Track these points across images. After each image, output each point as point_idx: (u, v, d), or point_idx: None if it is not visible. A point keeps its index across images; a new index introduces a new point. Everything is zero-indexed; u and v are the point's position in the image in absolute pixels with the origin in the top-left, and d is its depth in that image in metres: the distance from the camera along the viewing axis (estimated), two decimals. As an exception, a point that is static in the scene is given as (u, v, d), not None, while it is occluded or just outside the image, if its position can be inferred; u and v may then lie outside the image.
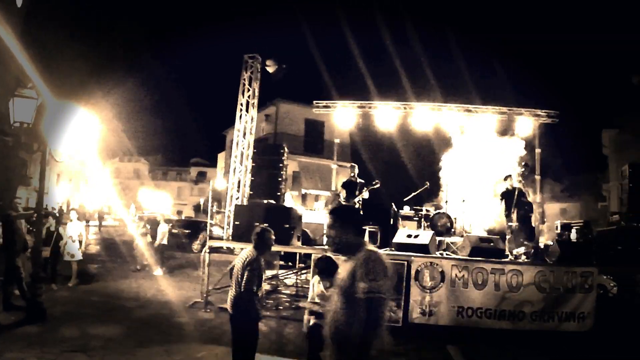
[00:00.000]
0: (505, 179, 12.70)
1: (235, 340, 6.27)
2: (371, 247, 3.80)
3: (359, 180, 13.50)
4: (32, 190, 36.42)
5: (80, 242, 13.74)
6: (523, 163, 13.59)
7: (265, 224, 6.66)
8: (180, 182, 77.47)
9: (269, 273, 14.24)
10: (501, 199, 12.59)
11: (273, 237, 6.48)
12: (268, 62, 14.10)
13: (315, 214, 14.90)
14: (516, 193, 12.10)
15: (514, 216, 12.04)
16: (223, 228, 15.64)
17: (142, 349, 8.17)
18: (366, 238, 11.36)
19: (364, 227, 12.28)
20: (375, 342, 3.49)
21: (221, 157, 51.16)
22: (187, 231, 27.02)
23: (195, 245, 25.06)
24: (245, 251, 6.36)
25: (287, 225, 11.32)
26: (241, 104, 14.16)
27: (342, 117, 16.19)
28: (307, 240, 12.45)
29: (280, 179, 13.14)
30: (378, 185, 13.12)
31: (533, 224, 12.80)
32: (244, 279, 6.02)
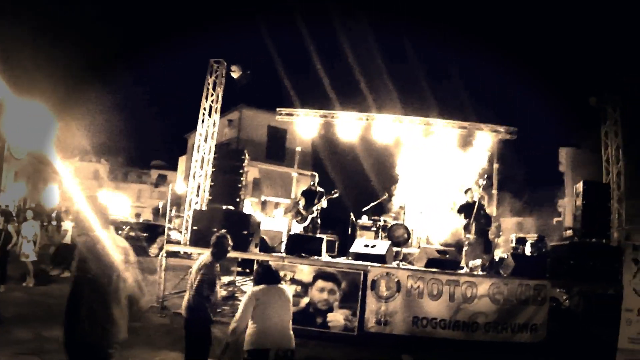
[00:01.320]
0: (466, 192, 12.88)
1: (188, 345, 6.26)
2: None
3: (318, 189, 13.52)
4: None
5: (35, 243, 13.44)
6: (485, 175, 13.81)
7: (223, 230, 6.64)
8: (140, 185, 76.26)
9: (225, 279, 14.14)
10: (459, 212, 12.76)
11: (230, 244, 6.47)
12: (233, 68, 14.04)
13: (274, 221, 14.87)
14: (476, 206, 12.28)
15: (472, 229, 12.19)
16: (181, 232, 15.45)
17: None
18: (323, 246, 11.50)
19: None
20: None
21: (182, 160, 50.71)
22: (145, 234, 26.68)
23: (153, 249, 24.69)
24: (202, 256, 6.37)
25: (246, 232, 11.28)
26: (204, 108, 14.07)
27: (304, 125, 16.23)
28: (265, 248, 12.40)
29: (240, 185, 13.07)
30: (337, 195, 13.16)
31: (490, 237, 12.98)
32: (196, 283, 6.03)
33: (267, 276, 5.85)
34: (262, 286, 5.71)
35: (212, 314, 6.20)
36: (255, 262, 12.36)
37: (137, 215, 53.60)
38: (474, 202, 12.43)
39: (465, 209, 12.53)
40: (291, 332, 5.63)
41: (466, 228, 12.38)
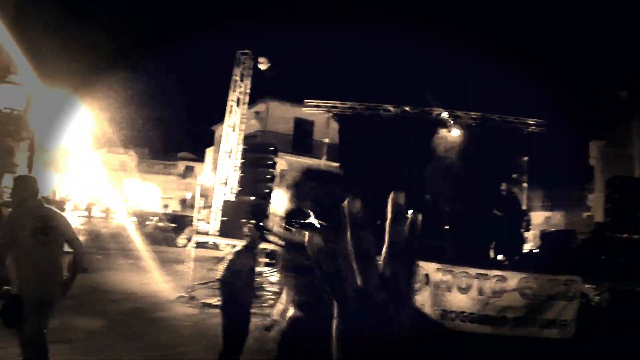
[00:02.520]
0: (502, 185, 12.70)
1: (224, 335, 6.30)
2: None
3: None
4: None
5: None
6: (518, 169, 13.65)
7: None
8: (167, 176, 76.60)
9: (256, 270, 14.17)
10: (493, 204, 12.58)
11: (263, 235, 6.51)
12: (260, 60, 14.05)
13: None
14: (509, 199, 12.13)
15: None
16: (209, 223, 15.53)
17: (123, 342, 8.13)
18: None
19: None
20: None
21: (209, 152, 50.85)
22: (173, 225, 26.91)
23: (181, 240, 24.90)
24: (237, 247, 6.40)
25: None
26: (232, 100, 14.11)
27: (331, 117, 16.21)
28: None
29: (268, 177, 13.07)
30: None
31: (520, 231, 12.84)
32: (235, 275, 6.05)
33: None
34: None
35: (248, 303, 6.25)
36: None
37: (165, 207, 54.06)
38: (508, 195, 12.26)
39: (499, 202, 12.35)
40: None
41: (498, 221, 12.21)
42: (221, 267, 6.46)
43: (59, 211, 5.51)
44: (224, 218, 11.79)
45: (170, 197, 70.49)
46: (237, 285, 6.07)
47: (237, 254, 6.25)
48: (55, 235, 5.12)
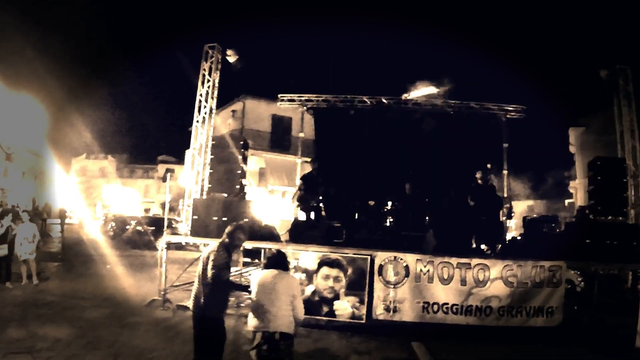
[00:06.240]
0: (476, 174, 12.39)
1: (198, 339, 6.02)
2: None
3: (319, 176, 13.12)
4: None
5: (32, 242, 13.18)
6: (494, 157, 13.41)
7: (246, 220, 6.46)
8: (147, 180, 76.31)
9: (232, 270, 13.84)
10: (470, 194, 12.29)
11: (246, 236, 6.26)
12: (229, 52, 13.70)
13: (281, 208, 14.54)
14: (485, 188, 11.85)
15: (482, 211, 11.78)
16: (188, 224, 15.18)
17: (91, 350, 7.78)
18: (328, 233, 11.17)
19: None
20: None
21: (188, 153, 50.47)
22: (152, 228, 26.52)
23: (160, 243, 24.50)
24: (211, 246, 6.06)
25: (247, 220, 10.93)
26: (200, 95, 13.75)
27: (306, 111, 15.97)
28: (271, 236, 12.05)
29: (239, 172, 12.64)
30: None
31: (501, 219, 12.57)
32: (210, 274, 5.74)
33: (277, 261, 5.90)
34: (268, 270, 5.83)
35: (224, 306, 6.08)
36: (262, 251, 12.14)
37: (146, 211, 53.62)
38: (483, 183, 12.00)
39: (475, 192, 12.09)
40: (290, 318, 5.60)
41: (476, 211, 11.93)
42: (197, 268, 6.18)
43: None
44: (195, 217, 11.39)
45: (152, 200, 70.09)
46: (213, 285, 5.77)
47: (213, 252, 5.91)
48: None
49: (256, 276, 5.85)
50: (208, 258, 5.88)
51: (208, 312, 5.88)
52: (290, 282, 5.85)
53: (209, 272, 5.77)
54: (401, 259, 9.91)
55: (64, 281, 13.74)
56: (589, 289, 11.83)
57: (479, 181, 12.12)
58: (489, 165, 12.72)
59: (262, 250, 14.29)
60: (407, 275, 9.83)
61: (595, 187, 11.88)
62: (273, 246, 10.63)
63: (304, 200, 12.86)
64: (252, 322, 5.59)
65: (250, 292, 5.84)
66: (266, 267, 5.94)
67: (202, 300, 5.86)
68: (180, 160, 62.71)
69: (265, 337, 5.41)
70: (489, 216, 11.88)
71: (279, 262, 5.89)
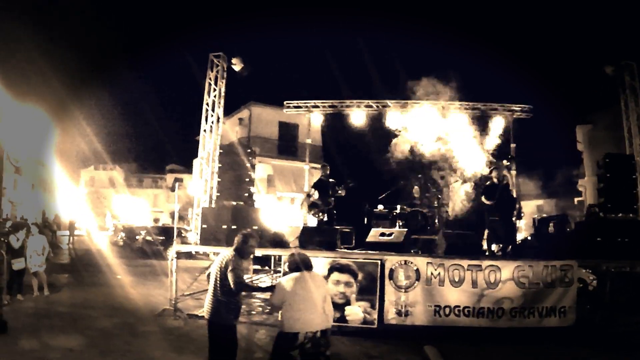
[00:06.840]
0: (490, 172, 12.14)
1: (213, 347, 6.04)
2: None
3: (330, 180, 13.10)
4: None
5: (42, 254, 13.22)
6: (509, 156, 13.32)
7: (255, 227, 6.48)
8: (156, 189, 76.46)
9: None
10: (483, 193, 12.06)
11: (256, 243, 6.34)
12: (234, 61, 13.74)
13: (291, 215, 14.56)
14: (500, 187, 11.63)
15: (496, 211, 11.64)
16: (198, 233, 15.21)
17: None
18: (338, 238, 11.16)
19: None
20: None
21: (196, 162, 50.61)
22: (162, 238, 26.58)
23: (170, 252, 24.56)
24: (224, 254, 6.08)
25: (256, 227, 10.96)
26: (207, 104, 13.81)
27: (313, 117, 15.98)
28: (281, 243, 12.04)
29: (247, 180, 12.66)
30: (351, 185, 12.75)
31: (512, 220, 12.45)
32: (232, 282, 5.76)
33: (300, 264, 5.93)
34: (294, 274, 5.86)
35: (236, 313, 6.09)
36: (272, 258, 12.09)
37: (156, 220, 53.80)
38: (499, 182, 11.74)
39: (489, 190, 11.82)
40: (325, 314, 5.74)
41: (489, 210, 11.75)
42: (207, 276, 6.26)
43: None
44: (204, 225, 11.40)
45: (161, 210, 70.27)
46: (230, 291, 5.80)
47: (230, 260, 5.94)
48: None
49: (285, 282, 5.83)
50: (225, 266, 5.89)
51: (224, 319, 5.92)
52: (320, 280, 6.09)
53: (230, 279, 5.80)
54: (412, 263, 9.86)
55: (75, 292, 13.77)
56: (601, 288, 11.73)
57: (495, 180, 11.86)
58: (504, 162, 12.57)
59: (272, 257, 14.31)
60: (417, 278, 9.78)
61: (605, 184, 11.84)
62: (283, 253, 10.63)
63: (316, 205, 12.81)
64: (291, 325, 5.58)
65: (271, 291, 5.94)
66: (291, 271, 5.95)
67: (218, 308, 5.89)
68: (188, 169, 62.92)
69: (307, 337, 5.50)
70: (504, 216, 11.65)
71: (303, 263, 5.93)
